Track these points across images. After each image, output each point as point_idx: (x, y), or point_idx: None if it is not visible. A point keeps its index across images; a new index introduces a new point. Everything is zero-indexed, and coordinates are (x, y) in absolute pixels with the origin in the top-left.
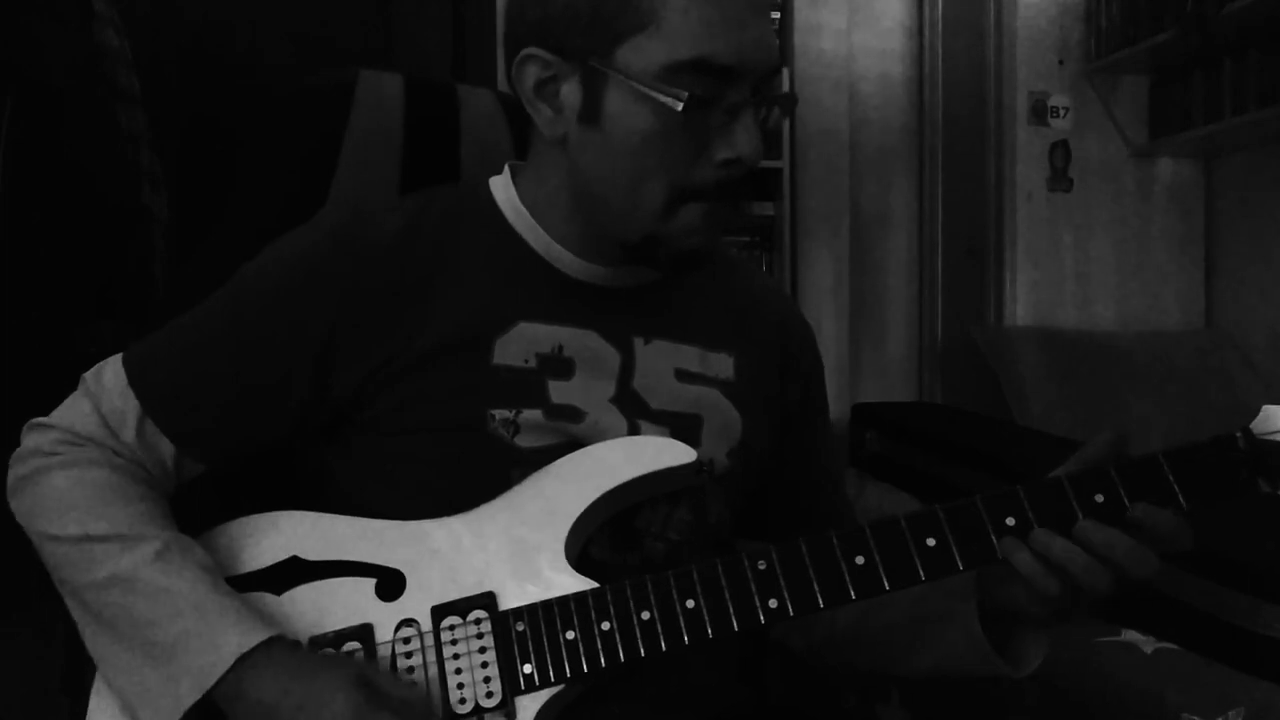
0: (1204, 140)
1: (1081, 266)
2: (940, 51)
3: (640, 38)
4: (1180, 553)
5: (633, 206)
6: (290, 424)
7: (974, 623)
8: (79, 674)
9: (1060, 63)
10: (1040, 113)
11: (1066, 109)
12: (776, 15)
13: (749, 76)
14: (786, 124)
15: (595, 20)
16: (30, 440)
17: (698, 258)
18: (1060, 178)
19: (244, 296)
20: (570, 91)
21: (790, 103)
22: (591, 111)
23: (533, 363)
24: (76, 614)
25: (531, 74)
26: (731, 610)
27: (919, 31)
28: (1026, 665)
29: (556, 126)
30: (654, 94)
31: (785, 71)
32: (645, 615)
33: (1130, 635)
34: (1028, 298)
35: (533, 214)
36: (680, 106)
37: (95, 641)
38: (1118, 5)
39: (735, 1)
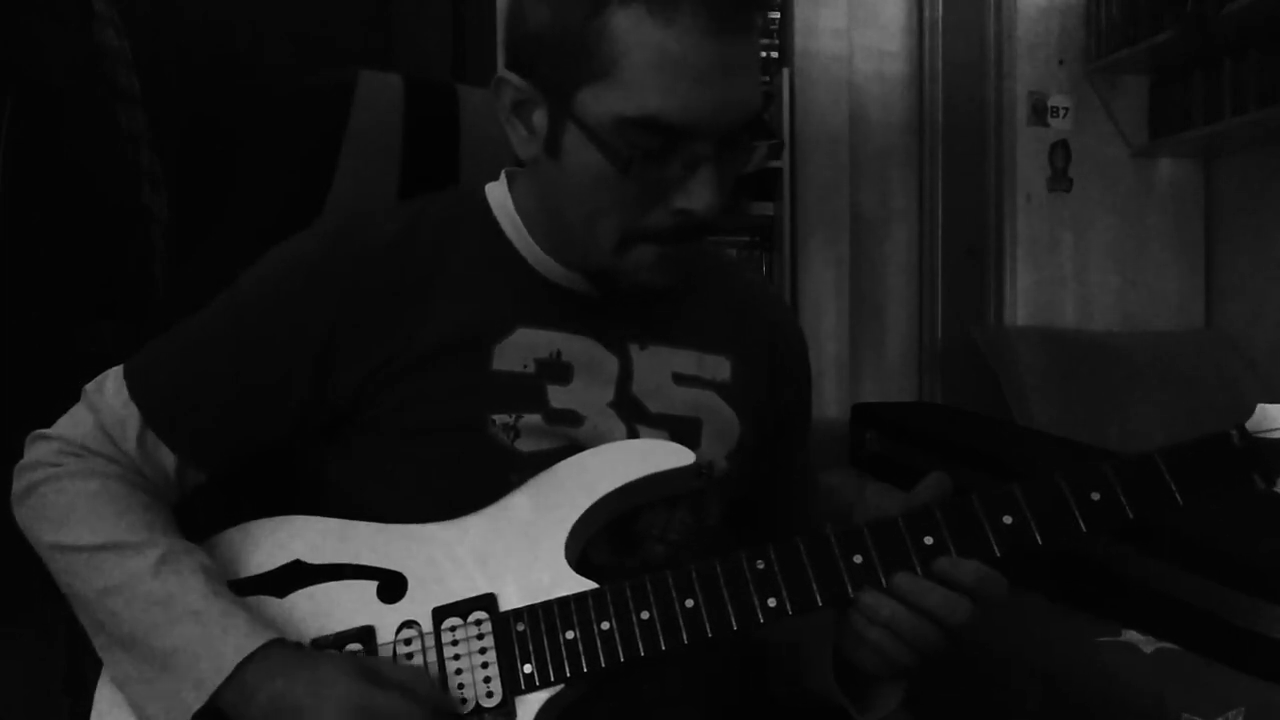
0: (1204, 140)
1: (1081, 266)
2: (940, 51)
3: (599, 86)
4: (997, 602)
5: (588, 241)
6: (290, 424)
7: (829, 667)
8: (80, 674)
9: (1060, 63)
10: (1040, 113)
11: (1066, 109)
12: (776, 15)
13: (711, 133)
14: (787, 124)
15: (560, 60)
16: (33, 452)
17: (653, 292)
18: (1060, 178)
19: (244, 300)
20: (540, 119)
21: (774, 151)
22: (553, 145)
23: (531, 368)
24: (84, 621)
25: (508, 94)
26: (730, 609)
27: (919, 31)
28: (878, 710)
29: (529, 148)
30: (604, 144)
31: (785, 72)
32: (644, 615)
33: (1130, 635)
34: (1028, 298)
35: (525, 222)
36: (624, 166)
37: (102, 648)
38: (1118, 5)
39: (700, 62)
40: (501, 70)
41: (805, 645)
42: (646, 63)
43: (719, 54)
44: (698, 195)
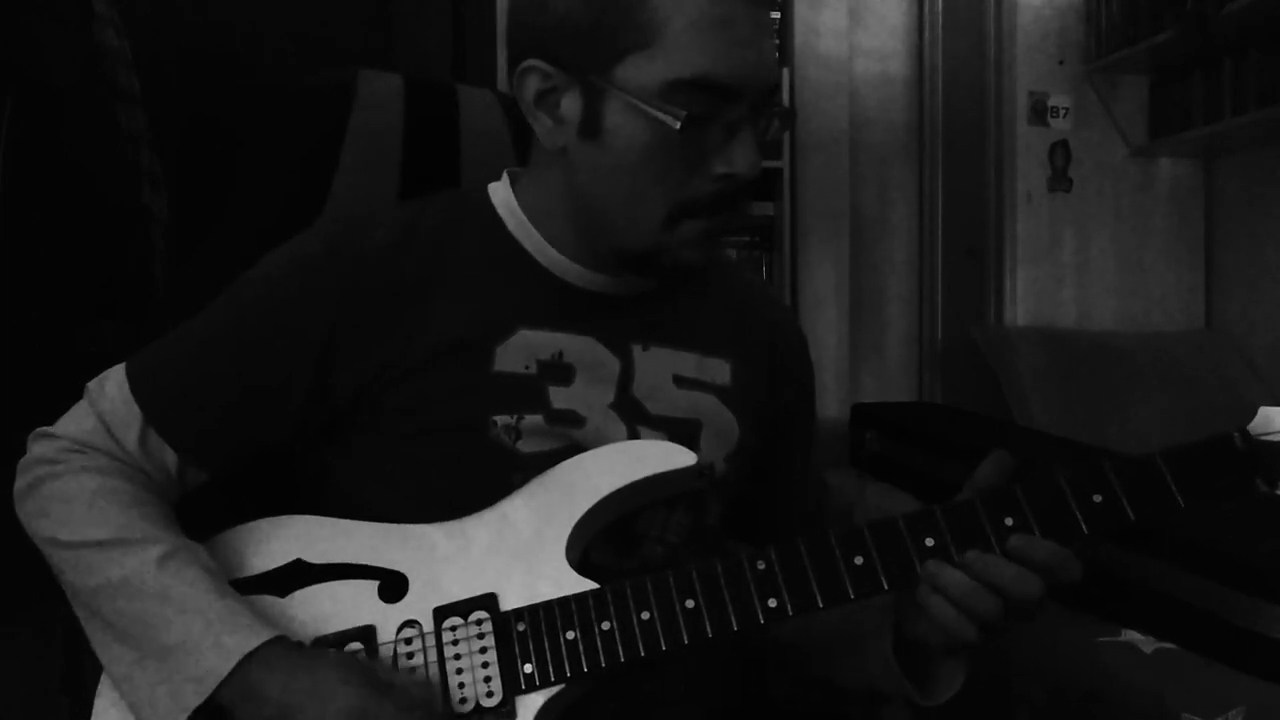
0: (1204, 140)
1: (1081, 266)
2: (940, 52)
3: (641, 55)
4: (1070, 585)
5: (631, 220)
6: (292, 426)
7: (888, 646)
8: (79, 674)
9: (1060, 63)
10: (1040, 113)
11: (1066, 109)
12: (776, 15)
13: (748, 94)
14: None
15: (596, 36)
16: (36, 449)
17: (694, 270)
18: (1060, 178)
19: (244, 301)
20: (570, 104)
21: (789, 117)
22: (591, 126)
23: (533, 369)
24: (83, 618)
25: (532, 85)
26: (731, 610)
27: (919, 31)
28: (940, 694)
29: (556, 138)
30: (653, 111)
31: (785, 72)
32: (645, 615)
33: (1130, 635)
34: (1028, 298)
35: (532, 221)
36: (679, 125)
37: (101, 645)
38: (1118, 5)
39: (738, 22)
40: (527, 60)
41: (852, 635)
42: (690, 25)
43: (751, 15)
44: (741, 157)
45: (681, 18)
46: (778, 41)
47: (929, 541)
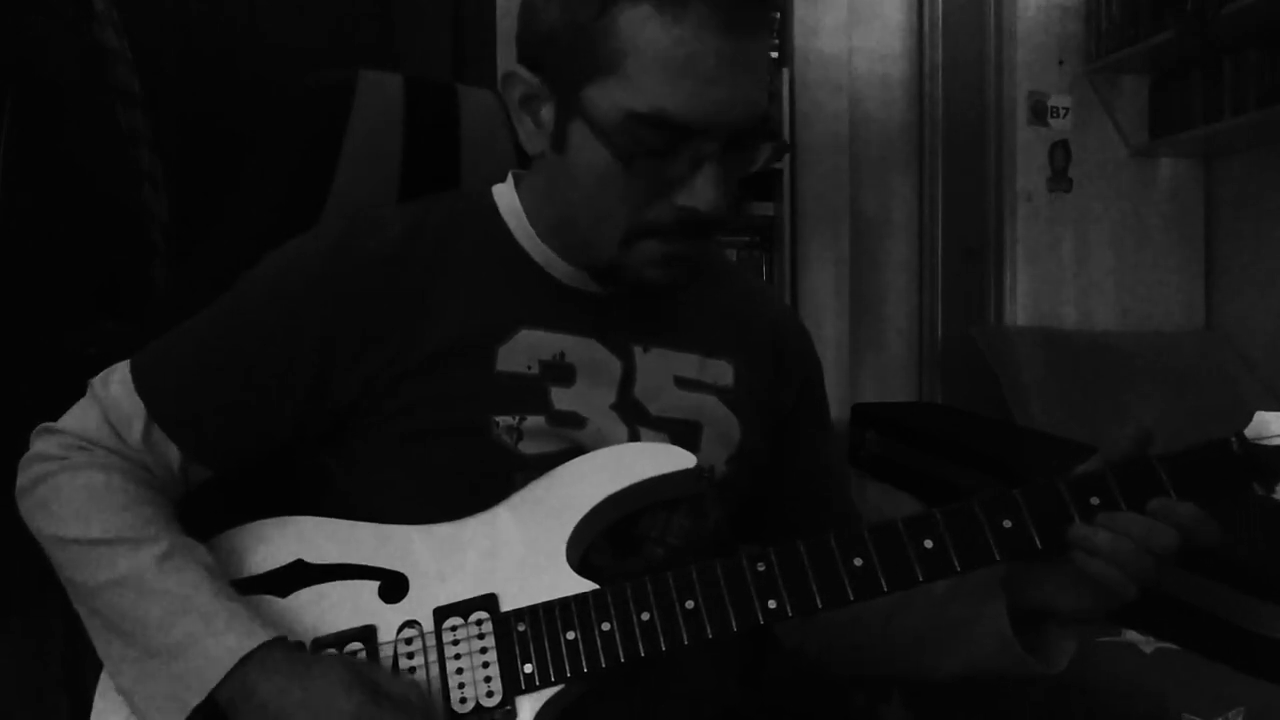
0: (1204, 140)
1: (1081, 266)
2: (940, 52)
3: (607, 81)
4: (1208, 545)
5: (593, 234)
6: (293, 428)
7: (1004, 624)
8: (79, 673)
9: (1060, 63)
10: (1040, 113)
11: (1066, 109)
12: (776, 15)
13: (716, 132)
14: (787, 125)
15: (569, 55)
16: (39, 445)
17: (659, 289)
18: (1060, 178)
19: (249, 300)
20: (547, 114)
21: (780, 151)
22: (559, 140)
23: (535, 369)
24: (83, 615)
25: (517, 89)
26: (730, 611)
27: (919, 32)
28: (1057, 663)
29: (535, 143)
30: (604, 140)
31: (785, 72)
32: (645, 616)
33: (1130, 635)
34: (1028, 298)
35: (531, 222)
36: (628, 159)
37: (101, 642)
38: (1118, 5)
39: (708, 58)
40: (512, 65)
41: (950, 625)
42: (653, 60)
43: (727, 52)
44: (701, 193)
45: (645, 51)
46: (777, 41)
47: (928, 544)
